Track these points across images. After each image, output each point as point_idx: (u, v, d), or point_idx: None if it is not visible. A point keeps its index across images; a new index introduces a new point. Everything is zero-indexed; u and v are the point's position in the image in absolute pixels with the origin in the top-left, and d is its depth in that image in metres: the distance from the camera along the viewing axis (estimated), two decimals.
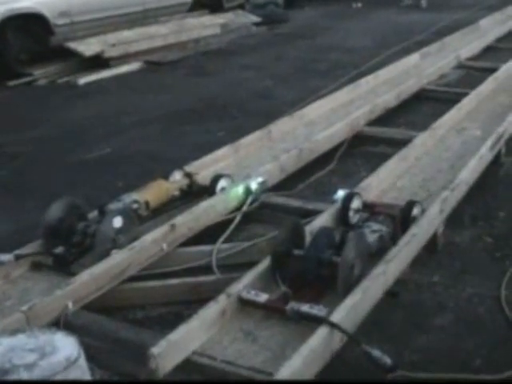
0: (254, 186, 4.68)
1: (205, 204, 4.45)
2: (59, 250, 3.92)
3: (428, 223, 4.08)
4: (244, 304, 3.37)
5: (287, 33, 13.16)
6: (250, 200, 4.64)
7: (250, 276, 3.50)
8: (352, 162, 5.81)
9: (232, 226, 4.38)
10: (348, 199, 4.19)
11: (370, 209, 4.23)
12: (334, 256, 3.44)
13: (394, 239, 3.87)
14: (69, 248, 3.95)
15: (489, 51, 9.79)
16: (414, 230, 3.92)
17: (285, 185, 5.16)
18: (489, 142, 5.28)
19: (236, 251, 4.16)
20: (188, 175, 4.81)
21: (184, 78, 9.81)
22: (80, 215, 4.14)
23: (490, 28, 11.16)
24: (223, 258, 4.10)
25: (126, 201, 4.31)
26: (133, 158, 6.32)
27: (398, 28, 12.80)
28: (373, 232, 3.82)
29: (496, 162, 5.49)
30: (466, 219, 4.69)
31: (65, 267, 3.85)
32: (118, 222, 4.01)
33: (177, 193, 4.67)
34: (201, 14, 12.93)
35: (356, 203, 4.21)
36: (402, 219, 4.03)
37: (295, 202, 4.73)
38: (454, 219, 4.53)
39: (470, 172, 4.81)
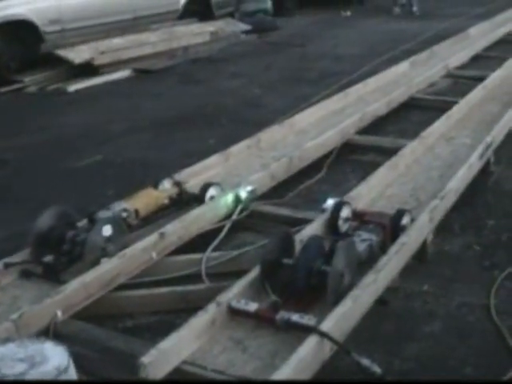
0: (243, 194, 4.69)
1: (194, 212, 4.45)
2: (48, 258, 3.91)
3: (417, 232, 4.08)
4: (234, 313, 3.36)
5: (277, 41, 13.17)
6: (239, 208, 4.64)
7: (239, 285, 3.50)
8: (342, 170, 5.82)
9: (221, 235, 4.38)
10: (337, 208, 4.20)
11: (359, 217, 4.24)
12: (324, 265, 3.44)
13: (383, 248, 3.88)
14: (58, 256, 3.94)
15: (477, 60, 9.83)
16: (403, 238, 3.93)
17: (274, 193, 5.16)
18: (478, 151, 5.30)
19: (225, 260, 4.15)
20: (177, 184, 4.81)
21: (174, 86, 9.81)
22: (69, 224, 4.13)
23: (478, 37, 11.21)
24: (213, 266, 4.10)
25: (115, 209, 4.31)
26: (123, 165, 6.31)
27: (386, 36, 12.85)
28: (362, 241, 3.83)
29: (485, 170, 5.50)
30: (455, 228, 4.70)
31: (54, 276, 3.84)
32: (107, 230, 4.00)
33: (166, 201, 4.66)
34: (190, 21, 12.93)
35: (345, 212, 4.22)
36: (391, 228, 4.04)
37: (285, 211, 4.74)
38: (443, 228, 4.54)
39: (459, 181, 4.82)
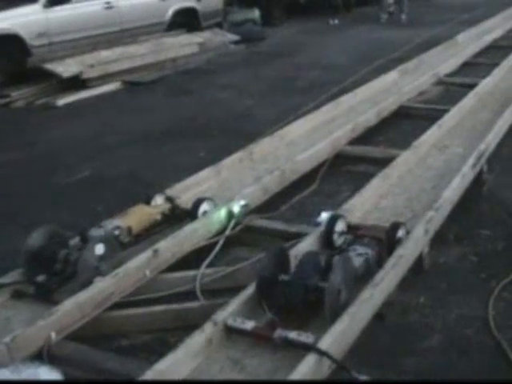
0: (236, 208, 4.65)
1: (187, 228, 4.41)
2: (41, 278, 3.86)
3: (413, 244, 4.05)
4: (231, 332, 3.32)
5: (265, 51, 13.20)
6: (232, 223, 4.60)
7: (235, 303, 3.46)
8: (334, 181, 5.78)
9: (215, 250, 4.33)
10: (332, 222, 4.16)
11: (354, 231, 4.20)
12: (321, 281, 3.41)
13: (379, 262, 3.84)
14: (51, 276, 3.89)
15: (467, 66, 9.85)
16: (399, 251, 3.90)
17: (267, 206, 5.12)
18: (471, 161, 5.28)
19: (220, 276, 4.10)
20: (170, 199, 4.77)
21: (163, 98, 9.79)
22: (61, 242, 4.07)
23: (467, 43, 11.25)
24: (207, 283, 4.06)
25: (107, 227, 4.25)
26: (113, 180, 6.26)
27: (375, 44, 12.88)
28: (358, 255, 3.78)
29: (478, 179, 5.47)
30: (450, 238, 4.67)
31: (47, 296, 3.79)
32: (100, 249, 3.95)
33: (159, 217, 4.61)
34: (178, 33, 12.91)
35: (340, 226, 4.18)
36: (387, 241, 4.00)
37: (278, 225, 4.69)
38: (439, 238, 4.51)
39: (453, 191, 4.79)
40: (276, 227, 4.67)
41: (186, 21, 13.30)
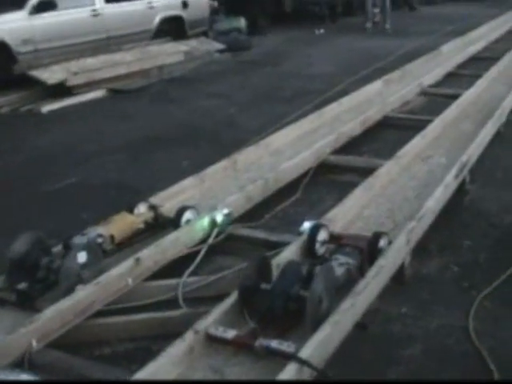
0: (219, 217, 4.65)
1: (170, 237, 4.41)
2: (22, 285, 3.84)
3: (395, 254, 4.07)
4: (212, 340, 3.32)
5: (251, 60, 13.22)
6: (215, 232, 4.60)
7: (217, 312, 3.46)
8: (317, 191, 5.79)
9: (198, 259, 4.34)
10: (314, 231, 4.17)
11: (336, 240, 4.21)
12: (302, 290, 3.42)
13: (361, 271, 3.86)
14: (33, 284, 3.88)
15: (451, 77, 9.91)
16: (381, 261, 3.91)
17: (250, 215, 5.13)
18: (453, 171, 5.31)
19: (203, 284, 4.11)
20: (153, 207, 4.77)
21: (148, 106, 9.78)
22: (44, 250, 4.07)
23: (451, 54, 11.32)
24: (190, 291, 4.06)
25: (90, 235, 4.25)
26: (97, 188, 6.24)
27: (360, 54, 12.94)
28: (340, 265, 3.80)
29: (460, 189, 5.50)
30: (432, 248, 4.68)
31: (29, 303, 3.78)
32: (82, 257, 3.95)
33: (142, 226, 4.62)
34: (164, 41, 12.92)
35: (322, 235, 4.19)
36: (369, 251, 4.02)
37: (261, 234, 4.71)
38: (420, 248, 4.52)
39: (435, 201, 4.81)
40: (259, 236, 4.69)
41: (173, 29, 13.30)
